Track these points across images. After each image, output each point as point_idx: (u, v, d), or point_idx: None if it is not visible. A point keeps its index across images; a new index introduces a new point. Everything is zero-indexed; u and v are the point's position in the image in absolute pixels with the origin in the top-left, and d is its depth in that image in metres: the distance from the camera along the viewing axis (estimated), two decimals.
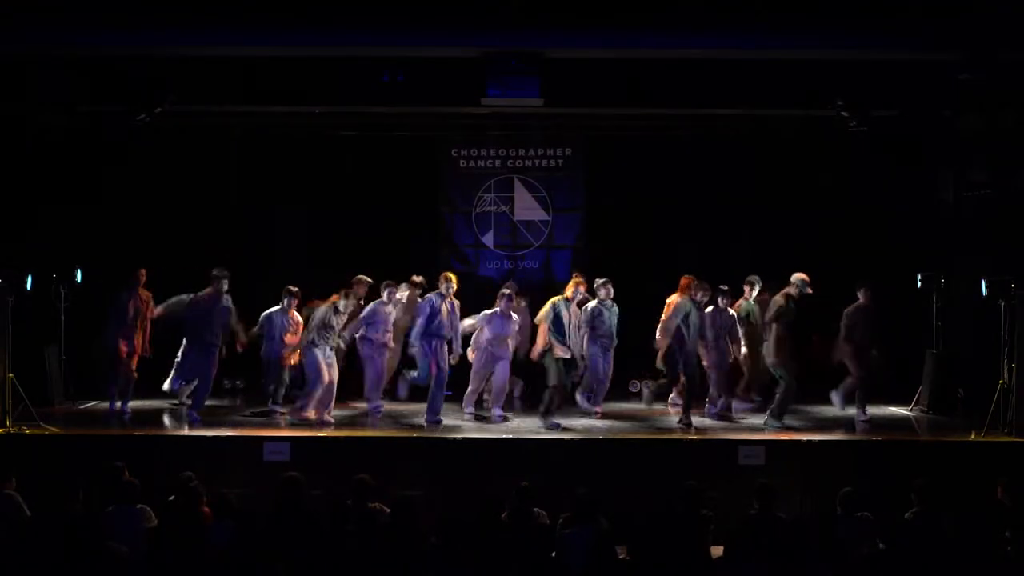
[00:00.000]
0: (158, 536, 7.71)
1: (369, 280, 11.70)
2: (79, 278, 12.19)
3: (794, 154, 13.59)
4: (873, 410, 11.58)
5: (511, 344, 11.71)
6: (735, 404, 11.93)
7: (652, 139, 13.70)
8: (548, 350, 11.29)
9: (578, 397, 12.00)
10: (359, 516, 7.80)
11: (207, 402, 11.54)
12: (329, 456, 10.16)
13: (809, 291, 11.01)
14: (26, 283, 11.05)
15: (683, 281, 11.07)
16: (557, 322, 11.30)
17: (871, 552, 7.72)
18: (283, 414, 11.52)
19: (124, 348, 11.58)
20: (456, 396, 11.97)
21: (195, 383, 11.52)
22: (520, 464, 9.79)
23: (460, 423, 11.28)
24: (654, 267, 13.34)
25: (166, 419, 11.52)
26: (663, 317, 11.11)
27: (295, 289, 11.76)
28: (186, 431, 10.84)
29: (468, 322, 11.70)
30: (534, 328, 11.88)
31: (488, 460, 10.14)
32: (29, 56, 11.38)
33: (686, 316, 10.92)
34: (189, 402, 11.60)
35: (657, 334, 11.15)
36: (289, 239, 14.03)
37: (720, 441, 10.55)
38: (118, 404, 11.70)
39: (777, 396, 11.08)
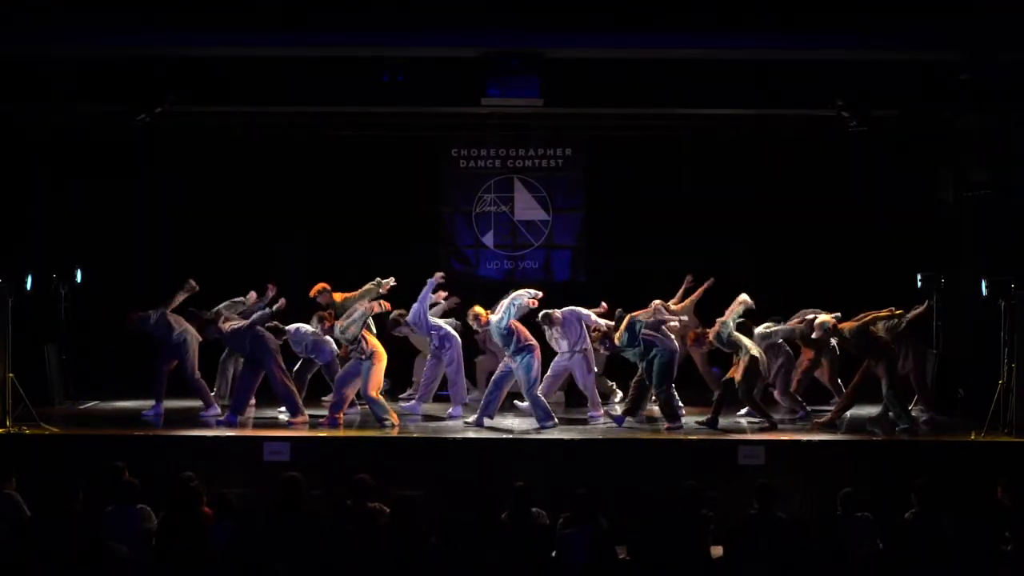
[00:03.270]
0: (158, 536, 7.72)
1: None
2: (79, 278, 12.18)
3: (794, 154, 13.57)
4: (870, 410, 11.54)
5: None
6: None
7: (652, 139, 13.66)
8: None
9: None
10: (359, 516, 7.81)
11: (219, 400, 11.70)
12: (329, 456, 10.15)
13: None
14: (26, 283, 11.05)
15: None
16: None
17: (871, 552, 7.73)
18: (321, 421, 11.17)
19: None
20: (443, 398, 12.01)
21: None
22: (520, 464, 9.79)
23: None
24: (654, 268, 13.34)
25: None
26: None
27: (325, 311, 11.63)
28: (187, 431, 10.83)
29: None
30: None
31: (488, 460, 10.14)
32: (29, 56, 11.38)
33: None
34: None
35: None
36: (288, 239, 14.00)
37: (720, 441, 10.54)
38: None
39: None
